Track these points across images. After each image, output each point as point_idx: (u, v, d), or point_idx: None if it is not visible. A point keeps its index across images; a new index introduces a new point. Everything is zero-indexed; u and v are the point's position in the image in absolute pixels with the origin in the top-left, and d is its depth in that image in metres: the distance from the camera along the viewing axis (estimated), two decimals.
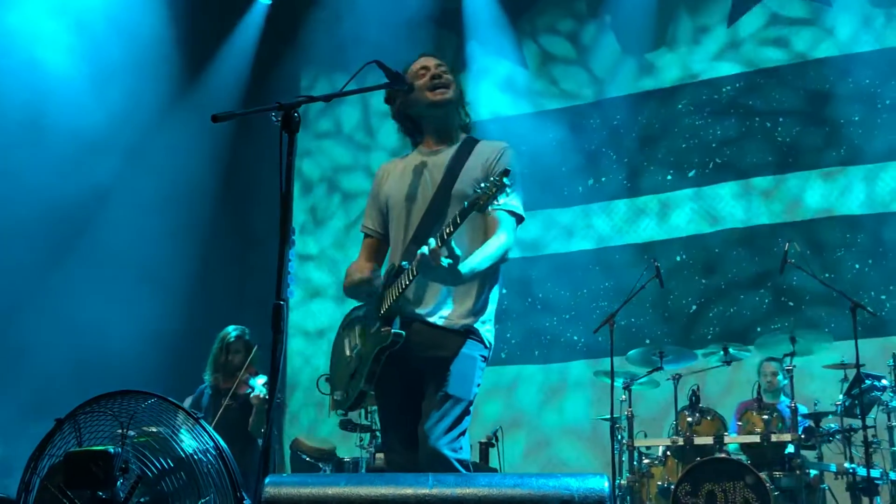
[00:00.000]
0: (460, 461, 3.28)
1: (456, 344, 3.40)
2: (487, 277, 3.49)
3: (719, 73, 8.62)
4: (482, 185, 3.12)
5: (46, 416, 3.27)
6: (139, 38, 8.48)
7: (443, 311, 3.44)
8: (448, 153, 3.60)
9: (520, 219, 3.52)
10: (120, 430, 3.00)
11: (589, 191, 8.93)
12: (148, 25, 8.63)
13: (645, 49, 8.97)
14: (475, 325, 3.46)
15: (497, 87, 9.37)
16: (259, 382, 6.15)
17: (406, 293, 3.38)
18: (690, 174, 8.56)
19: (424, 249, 3.13)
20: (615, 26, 9.06)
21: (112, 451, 2.88)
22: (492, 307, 3.55)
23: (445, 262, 3.13)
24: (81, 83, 7.96)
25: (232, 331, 6.52)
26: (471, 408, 3.39)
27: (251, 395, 6.12)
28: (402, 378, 3.45)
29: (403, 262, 3.40)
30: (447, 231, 3.15)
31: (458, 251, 3.16)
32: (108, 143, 8.01)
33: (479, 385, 3.46)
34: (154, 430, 3.11)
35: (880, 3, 8.11)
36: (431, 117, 3.66)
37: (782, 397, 6.78)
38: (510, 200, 3.43)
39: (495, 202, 3.13)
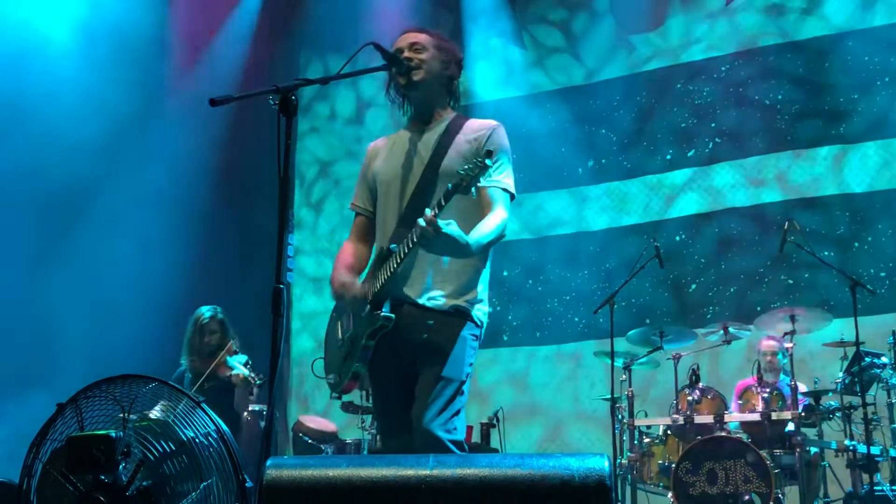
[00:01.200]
0: (454, 442, 3.28)
1: (446, 325, 3.39)
2: (479, 258, 3.46)
3: (718, 52, 8.60)
4: (465, 166, 3.11)
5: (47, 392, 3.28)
6: (136, 24, 8.45)
7: (432, 293, 3.43)
8: (437, 131, 3.58)
9: (511, 197, 3.50)
10: (121, 415, 3.01)
11: (588, 172, 8.92)
12: (144, 10, 8.59)
13: (643, 29, 8.94)
14: (464, 305, 3.45)
15: (494, 68, 9.34)
16: (238, 362, 6.12)
17: (395, 275, 3.37)
18: (689, 154, 8.56)
19: (422, 221, 3.10)
20: (613, 7, 9.03)
21: (114, 435, 2.89)
22: (483, 287, 3.53)
23: (445, 227, 3.09)
24: (79, 69, 7.94)
25: (206, 311, 6.44)
26: (464, 388, 3.39)
27: (232, 375, 6.08)
28: (394, 361, 3.44)
29: (392, 245, 3.39)
30: (434, 211, 3.13)
31: (453, 233, 3.15)
32: (104, 130, 7.99)
33: (471, 365, 3.45)
34: (156, 414, 3.12)
35: None
36: (411, 97, 3.63)
37: (782, 376, 6.80)
38: (503, 178, 3.43)
39: (478, 183, 3.13)
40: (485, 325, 3.53)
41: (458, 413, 3.35)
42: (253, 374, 6.21)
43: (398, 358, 3.44)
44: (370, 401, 7.19)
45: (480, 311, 3.51)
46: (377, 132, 9.32)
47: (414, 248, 3.24)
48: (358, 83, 10.02)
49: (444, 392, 3.32)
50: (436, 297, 3.43)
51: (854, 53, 8.04)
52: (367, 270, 3.60)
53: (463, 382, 3.38)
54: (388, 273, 3.35)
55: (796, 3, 8.38)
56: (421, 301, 3.42)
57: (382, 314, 3.35)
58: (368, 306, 3.41)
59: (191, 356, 6.35)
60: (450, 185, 3.13)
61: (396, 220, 3.49)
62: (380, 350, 3.42)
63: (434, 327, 3.39)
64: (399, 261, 3.30)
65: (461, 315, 3.44)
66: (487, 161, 3.08)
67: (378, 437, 7.03)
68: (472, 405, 3.58)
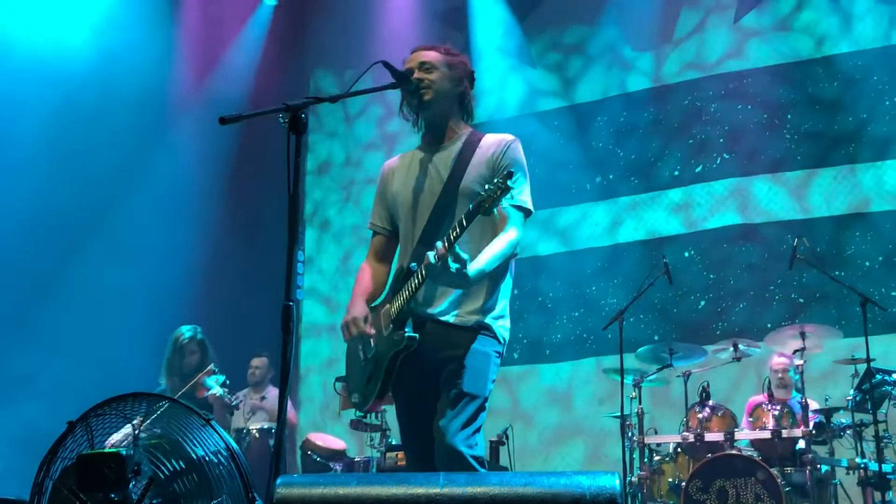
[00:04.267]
0: (476, 458, 3.28)
1: (469, 341, 3.40)
2: (499, 273, 3.47)
3: (726, 69, 8.60)
4: (486, 187, 3.11)
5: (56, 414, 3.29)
6: (147, 40, 8.51)
7: (455, 310, 3.44)
8: (453, 149, 3.58)
9: (527, 213, 3.50)
10: (132, 433, 3.01)
11: (597, 188, 8.92)
12: (155, 27, 8.65)
13: (652, 46, 8.95)
14: (488, 321, 3.45)
15: (503, 85, 9.36)
16: (216, 382, 6.11)
17: (416, 294, 3.37)
18: (698, 170, 8.55)
19: (431, 255, 3.13)
20: (621, 23, 9.04)
21: (124, 453, 2.89)
22: (504, 302, 3.54)
23: (453, 266, 3.12)
24: (87, 89, 7.98)
25: (185, 332, 6.42)
26: (486, 404, 3.39)
27: (209, 395, 6.06)
28: (417, 377, 3.44)
29: (412, 264, 3.40)
30: (453, 234, 3.14)
31: (463, 255, 3.16)
32: (112, 148, 8.03)
33: (493, 381, 3.45)
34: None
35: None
36: (423, 116, 3.64)
37: (793, 393, 6.77)
38: (518, 195, 3.42)
39: (500, 205, 3.13)
40: (506, 342, 3.54)
41: (479, 429, 3.36)
42: (229, 396, 6.20)
43: (421, 375, 3.43)
44: (379, 419, 7.19)
45: (503, 328, 3.52)
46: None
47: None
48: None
49: (467, 408, 3.32)
50: (459, 314, 3.44)
51: (864, 73, 8.03)
52: (387, 289, 3.60)
53: (486, 399, 3.39)
54: (409, 292, 3.36)
55: (806, 22, 8.38)
56: (445, 318, 3.43)
57: (407, 335, 3.36)
58: (391, 326, 3.42)
59: (170, 376, 6.32)
60: (471, 206, 3.13)
61: (417, 239, 3.50)
62: (403, 368, 3.42)
63: (458, 344, 3.39)
64: (419, 282, 3.31)
65: (484, 331, 3.45)
66: (510, 182, 3.08)
67: (386, 455, 7.03)
68: None
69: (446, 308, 3.44)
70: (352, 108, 10.21)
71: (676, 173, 8.63)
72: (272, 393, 7.68)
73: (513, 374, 8.67)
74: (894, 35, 8.03)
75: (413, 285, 3.33)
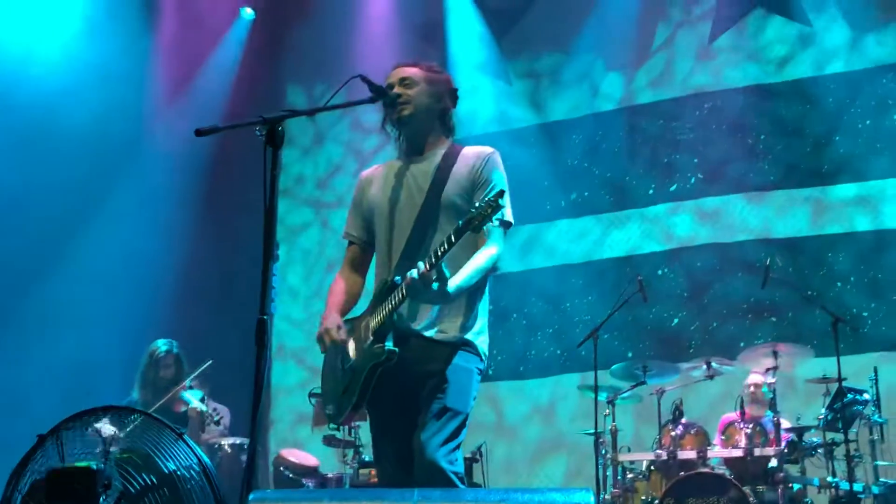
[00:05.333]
0: (456, 474, 3.26)
1: (452, 356, 3.39)
2: (479, 289, 3.48)
3: (701, 89, 8.67)
4: (477, 204, 3.11)
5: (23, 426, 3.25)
6: (123, 50, 8.47)
7: (438, 325, 3.43)
8: (433, 160, 3.59)
9: (508, 225, 3.51)
10: (103, 447, 2.97)
11: (571, 205, 8.95)
12: (131, 38, 8.61)
13: (627, 66, 9.01)
14: (469, 337, 3.46)
15: (479, 102, 9.38)
16: (193, 397, 6.06)
17: (398, 309, 3.36)
18: (672, 188, 8.60)
19: (414, 273, 3.13)
20: (597, 43, 9.10)
21: (94, 467, 2.86)
22: (483, 318, 3.54)
23: (435, 285, 3.13)
24: (60, 101, 7.91)
25: (161, 345, 6.37)
26: (467, 421, 3.38)
27: (189, 408, 6.00)
28: (396, 392, 3.42)
29: (396, 278, 3.37)
30: (441, 250, 3.14)
31: (447, 273, 3.16)
32: (87, 155, 7.97)
33: (474, 398, 3.45)
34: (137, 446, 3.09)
35: (858, 23, 8.19)
36: (402, 131, 3.65)
37: (766, 411, 6.80)
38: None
39: (490, 223, 3.14)
40: (486, 358, 3.54)
41: (459, 446, 3.35)
42: (210, 411, 6.15)
43: (401, 390, 3.41)
44: (352, 434, 7.15)
45: (484, 344, 3.52)
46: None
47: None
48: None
49: (450, 423, 3.31)
50: (442, 330, 3.43)
51: (835, 96, 8.13)
52: (370, 300, 3.58)
53: (467, 415, 3.38)
54: (392, 306, 3.34)
55: (779, 45, 8.47)
56: (427, 334, 3.43)
57: (387, 348, 3.34)
58: (371, 338, 3.40)
59: (143, 389, 6.27)
60: (460, 223, 3.13)
61: (401, 252, 3.49)
62: (381, 382, 3.39)
63: (441, 359, 3.39)
64: (402, 296, 3.29)
65: (466, 347, 3.44)
66: (500, 201, 3.09)
67: (359, 471, 6.99)
68: None
69: (428, 324, 3.43)
70: (322, 125, 10.18)
71: (651, 191, 8.67)
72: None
73: (489, 390, 8.66)
74: (866, 59, 8.13)
75: (396, 299, 3.32)
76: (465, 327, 3.45)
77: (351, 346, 3.51)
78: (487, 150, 3.61)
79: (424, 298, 3.28)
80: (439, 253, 3.14)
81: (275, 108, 3.19)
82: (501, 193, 3.13)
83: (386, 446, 3.52)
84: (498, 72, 9.47)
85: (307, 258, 9.71)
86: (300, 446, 7.99)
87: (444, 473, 3.21)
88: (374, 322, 3.42)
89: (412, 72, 3.62)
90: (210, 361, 6.35)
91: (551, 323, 8.73)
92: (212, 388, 7.61)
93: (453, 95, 3.71)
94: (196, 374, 6.25)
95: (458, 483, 3.23)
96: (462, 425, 3.35)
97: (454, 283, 3.25)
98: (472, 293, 3.44)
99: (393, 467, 3.45)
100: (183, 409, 6.04)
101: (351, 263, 3.74)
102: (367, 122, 9.52)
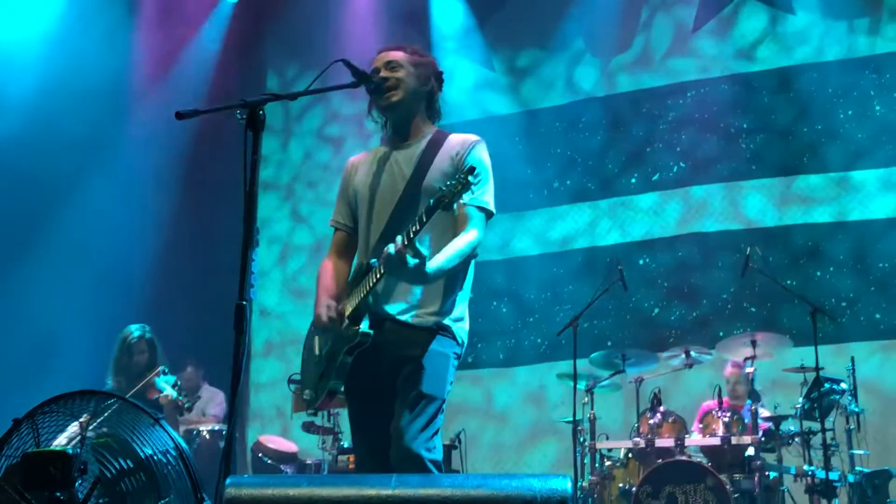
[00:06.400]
0: (433, 461, 3.25)
1: (428, 342, 3.38)
2: (458, 274, 3.47)
3: (683, 78, 8.68)
4: (448, 182, 3.11)
5: None
6: (105, 34, 8.40)
7: (414, 310, 3.42)
8: (418, 147, 3.58)
9: (489, 214, 3.50)
10: (79, 431, 2.96)
11: (553, 193, 8.96)
12: (112, 22, 8.54)
13: (610, 53, 9.01)
14: (447, 322, 3.44)
15: (462, 89, 9.36)
16: (167, 383, 6.02)
17: (375, 291, 3.35)
18: (654, 178, 8.62)
19: (391, 248, 3.11)
20: (582, 31, 9.09)
21: (70, 451, 2.84)
22: (463, 304, 3.53)
23: (412, 261, 3.12)
24: (42, 78, 7.85)
25: (134, 330, 6.31)
26: (444, 406, 3.37)
27: (160, 396, 5.97)
28: (373, 378, 3.41)
29: (372, 260, 3.36)
30: (413, 230, 3.13)
31: (423, 250, 3.15)
32: (66, 139, 7.91)
33: (451, 383, 3.44)
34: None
35: (841, 13, 8.21)
36: (388, 116, 3.64)
37: (745, 400, 6.84)
38: (481, 195, 3.43)
39: (460, 200, 3.13)
40: (465, 344, 3.53)
41: (437, 432, 3.34)
42: (181, 398, 6.12)
43: (377, 375, 3.41)
44: (331, 421, 7.15)
45: (461, 329, 3.51)
46: None
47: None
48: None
49: (426, 409, 3.30)
50: (418, 315, 3.42)
51: (818, 84, 8.15)
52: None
53: (444, 401, 3.37)
54: (367, 288, 3.33)
55: (761, 34, 8.49)
56: (403, 318, 3.41)
57: (361, 330, 3.32)
58: (347, 321, 3.38)
59: (117, 376, 6.21)
60: (431, 202, 3.12)
61: (378, 236, 3.48)
62: (358, 366, 3.38)
63: (416, 344, 3.37)
64: (378, 277, 3.28)
65: (444, 332, 3.43)
66: (470, 178, 3.08)
67: (338, 458, 6.99)
68: None
69: (405, 308, 3.42)
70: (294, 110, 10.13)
71: (633, 181, 8.69)
72: (206, 392, 7.58)
73: (468, 377, 8.67)
74: (850, 48, 8.17)
75: (371, 281, 3.31)
76: (443, 312, 3.44)
77: (329, 330, 3.50)
78: (473, 137, 3.59)
79: (403, 276, 3.26)
80: (412, 232, 3.13)
81: (258, 92, 3.18)
82: (472, 170, 3.11)
83: (364, 432, 3.51)
84: (482, 59, 9.45)
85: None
86: (279, 432, 8.01)
87: (421, 461, 3.21)
88: (349, 305, 3.41)
89: (398, 55, 3.61)
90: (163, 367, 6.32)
91: (531, 311, 8.74)
92: (205, 373, 7.63)
93: (439, 79, 3.71)
94: (146, 381, 6.18)
95: (434, 471, 3.22)
96: (439, 411, 3.34)
97: (434, 264, 3.24)
98: (450, 278, 3.43)
99: (370, 453, 3.44)
100: (156, 395, 5.99)
101: (337, 250, 3.73)
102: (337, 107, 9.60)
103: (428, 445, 3.27)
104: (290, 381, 6.43)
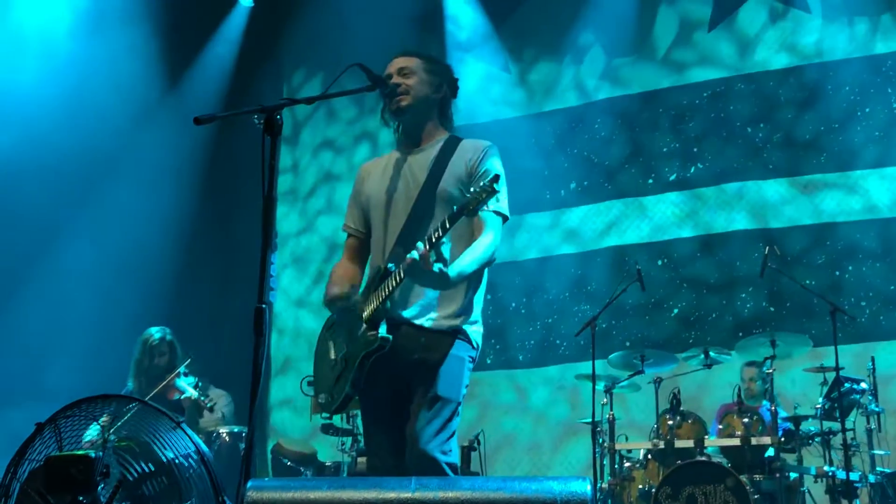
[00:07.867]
0: (450, 464, 3.27)
1: (444, 345, 3.40)
2: (473, 278, 3.48)
3: (700, 77, 8.65)
4: (472, 189, 3.12)
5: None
6: (120, 40, 8.44)
7: (430, 313, 3.43)
8: (430, 152, 3.59)
9: (505, 218, 3.52)
10: (101, 435, 2.98)
11: (571, 194, 8.95)
12: (129, 27, 8.58)
13: (627, 53, 8.99)
14: (463, 326, 3.46)
15: (479, 91, 9.36)
16: (188, 384, 6.05)
17: (392, 296, 3.36)
18: (671, 178, 8.59)
19: (414, 254, 3.12)
20: (597, 31, 9.07)
21: (93, 455, 2.86)
22: (478, 308, 3.54)
23: (436, 266, 3.13)
24: (61, 86, 7.90)
25: (155, 333, 6.36)
26: (459, 409, 3.38)
27: (182, 398, 6.00)
28: (388, 381, 3.42)
29: (390, 265, 3.38)
30: (436, 235, 3.14)
31: (446, 255, 3.17)
32: (86, 144, 7.95)
33: (466, 386, 3.45)
34: (134, 434, 3.09)
35: (861, 10, 8.17)
36: (400, 121, 3.66)
37: (763, 401, 6.82)
38: (496, 201, 3.43)
39: (485, 207, 3.14)
40: (479, 348, 3.54)
41: (453, 435, 3.35)
42: (203, 398, 6.15)
43: (392, 378, 3.42)
44: (350, 423, 7.16)
45: (476, 333, 3.52)
46: None
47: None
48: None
49: (441, 412, 3.31)
50: (435, 318, 3.43)
51: (837, 83, 8.11)
52: (361, 290, 3.58)
53: (459, 404, 3.38)
54: (386, 293, 3.34)
55: (779, 32, 8.45)
56: (419, 322, 3.42)
57: (381, 335, 3.33)
58: (364, 326, 3.39)
59: (138, 378, 6.26)
60: (455, 208, 3.13)
61: (395, 241, 3.49)
62: (373, 370, 3.38)
63: (432, 347, 3.39)
64: (397, 282, 3.29)
65: (459, 336, 3.44)
66: (496, 186, 3.09)
67: (357, 460, 7.00)
68: None
69: (421, 311, 3.43)
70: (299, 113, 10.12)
71: (651, 181, 8.67)
72: (212, 393, 7.59)
73: (484, 378, 8.67)
74: (868, 46, 8.11)
75: (390, 286, 3.32)
76: (458, 316, 3.45)
77: (343, 333, 3.51)
78: (485, 143, 3.61)
79: (425, 281, 3.26)
80: (434, 238, 3.14)
81: (274, 96, 3.19)
82: (497, 178, 3.12)
83: (378, 435, 3.52)
84: (496, 61, 9.45)
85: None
86: (298, 435, 8.02)
87: (437, 464, 3.22)
88: (367, 309, 3.42)
89: (411, 62, 3.63)
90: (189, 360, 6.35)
91: (550, 313, 8.72)
92: (213, 376, 7.65)
93: (453, 85, 3.72)
94: (166, 382, 6.21)
95: (450, 474, 3.23)
96: (454, 414, 3.35)
97: (456, 269, 3.25)
98: (467, 282, 3.44)
99: (385, 456, 3.45)
100: (176, 396, 6.03)
101: (349, 255, 3.75)
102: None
103: (444, 448, 3.28)
104: (307, 382, 6.44)
